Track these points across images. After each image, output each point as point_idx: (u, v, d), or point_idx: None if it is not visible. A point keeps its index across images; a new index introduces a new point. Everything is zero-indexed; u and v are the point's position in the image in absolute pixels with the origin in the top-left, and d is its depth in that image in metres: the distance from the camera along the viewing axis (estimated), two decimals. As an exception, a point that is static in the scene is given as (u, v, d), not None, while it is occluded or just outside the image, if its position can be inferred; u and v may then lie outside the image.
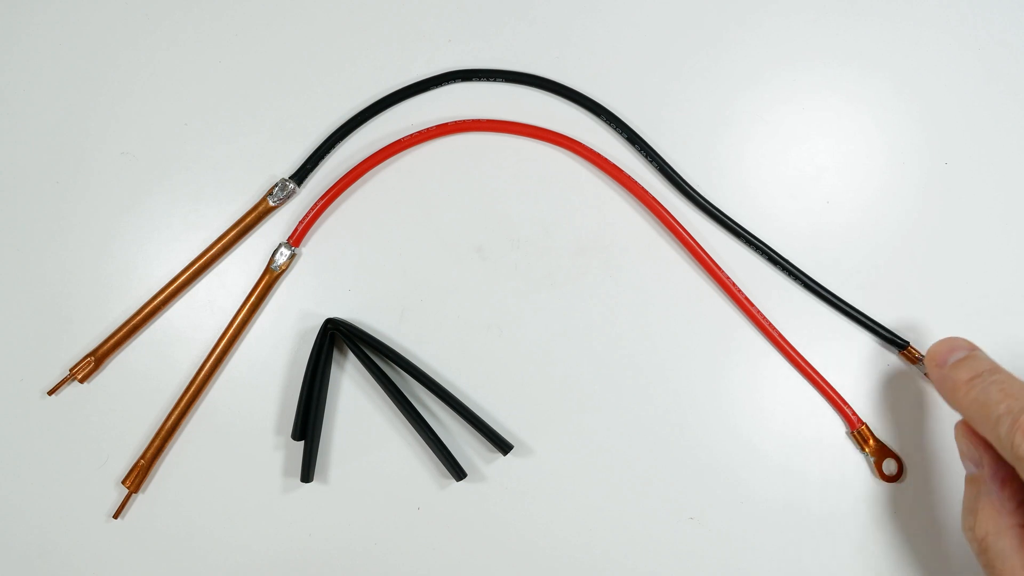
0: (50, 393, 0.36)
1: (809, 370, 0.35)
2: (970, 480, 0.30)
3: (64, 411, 0.36)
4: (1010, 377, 0.29)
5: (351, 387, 0.36)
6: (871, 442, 0.34)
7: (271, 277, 0.36)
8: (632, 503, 0.35)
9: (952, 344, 0.31)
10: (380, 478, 0.35)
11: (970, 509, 0.29)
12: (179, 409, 0.35)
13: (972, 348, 0.31)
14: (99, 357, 0.35)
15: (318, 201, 0.36)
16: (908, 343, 0.35)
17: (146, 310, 0.36)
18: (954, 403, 0.30)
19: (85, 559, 0.35)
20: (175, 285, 0.36)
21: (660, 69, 0.38)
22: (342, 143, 0.37)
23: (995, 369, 0.29)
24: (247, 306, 0.36)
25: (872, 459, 0.35)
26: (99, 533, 0.35)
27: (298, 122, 0.37)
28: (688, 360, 0.36)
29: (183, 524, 0.35)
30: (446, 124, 0.37)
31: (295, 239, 0.36)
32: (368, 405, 0.36)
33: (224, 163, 0.37)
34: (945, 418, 0.35)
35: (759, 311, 0.35)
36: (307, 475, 0.34)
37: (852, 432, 0.35)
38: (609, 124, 0.37)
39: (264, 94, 0.38)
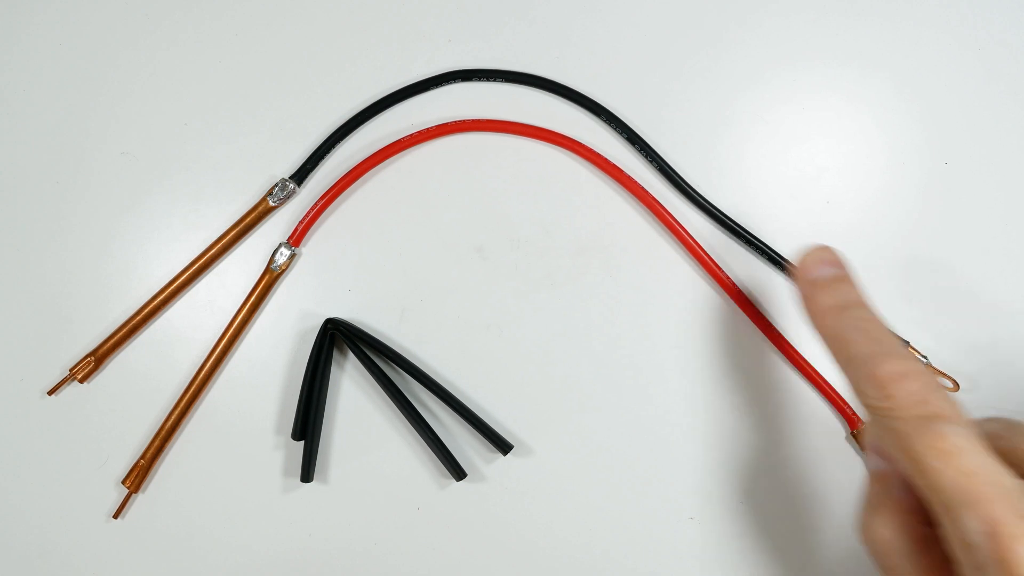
0: (50, 393, 0.36)
1: (809, 370, 0.35)
2: (877, 477, 0.27)
3: (64, 411, 0.36)
4: (873, 318, 0.27)
5: (351, 387, 0.36)
6: (871, 442, 0.34)
7: (271, 277, 0.36)
8: (632, 503, 0.35)
9: (821, 256, 0.29)
10: (380, 478, 0.35)
11: (874, 506, 0.26)
12: (179, 409, 0.35)
13: (840, 268, 0.28)
14: (99, 357, 0.35)
15: (318, 201, 0.36)
16: (908, 343, 0.35)
17: (146, 310, 0.36)
18: (811, 324, 0.28)
19: (85, 559, 0.35)
20: (175, 285, 0.36)
21: (660, 69, 0.38)
22: (342, 143, 0.37)
23: (860, 304, 0.27)
24: (247, 306, 0.36)
25: (872, 459, 0.35)
26: (99, 533, 0.35)
27: (298, 122, 0.37)
28: (688, 360, 0.36)
29: (183, 524, 0.35)
30: (446, 124, 0.37)
31: (295, 239, 0.36)
32: (368, 405, 0.36)
33: (224, 163, 0.37)
34: (945, 418, 0.35)
35: (759, 311, 0.35)
36: (307, 475, 0.34)
37: (852, 432, 0.35)
38: (609, 124, 0.37)
39: (264, 94, 0.38)
